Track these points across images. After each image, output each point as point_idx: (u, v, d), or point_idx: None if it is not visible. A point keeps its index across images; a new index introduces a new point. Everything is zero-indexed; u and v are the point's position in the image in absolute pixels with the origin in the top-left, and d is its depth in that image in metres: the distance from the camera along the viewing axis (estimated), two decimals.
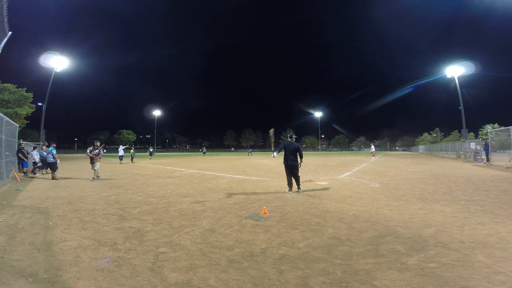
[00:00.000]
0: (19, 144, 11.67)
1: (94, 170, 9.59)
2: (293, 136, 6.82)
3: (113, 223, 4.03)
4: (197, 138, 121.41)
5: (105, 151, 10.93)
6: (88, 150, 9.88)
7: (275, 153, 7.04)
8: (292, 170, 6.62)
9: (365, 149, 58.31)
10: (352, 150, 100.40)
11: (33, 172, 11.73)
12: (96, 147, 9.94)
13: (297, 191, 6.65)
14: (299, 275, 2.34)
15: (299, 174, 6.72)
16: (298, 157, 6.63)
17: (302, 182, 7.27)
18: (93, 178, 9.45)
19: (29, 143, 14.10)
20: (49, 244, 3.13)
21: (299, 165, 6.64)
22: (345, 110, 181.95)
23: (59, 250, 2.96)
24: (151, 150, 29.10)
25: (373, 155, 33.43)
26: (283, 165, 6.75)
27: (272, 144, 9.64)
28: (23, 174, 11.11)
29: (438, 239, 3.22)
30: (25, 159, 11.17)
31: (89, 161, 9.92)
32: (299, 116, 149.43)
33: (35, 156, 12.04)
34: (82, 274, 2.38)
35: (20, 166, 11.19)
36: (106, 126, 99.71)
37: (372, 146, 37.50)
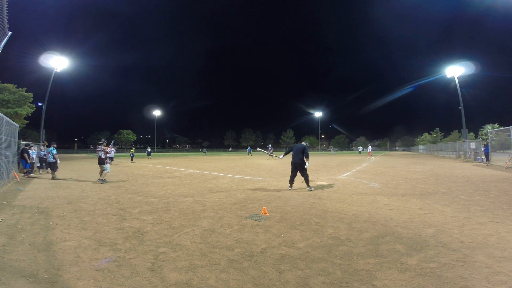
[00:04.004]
0: (26, 145, 11.68)
1: (107, 171, 9.09)
2: (302, 139, 7.31)
3: (113, 223, 4.03)
4: (197, 138, 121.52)
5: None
6: (109, 149, 8.90)
7: (281, 156, 8.03)
8: (297, 168, 6.97)
9: (333, 149, 56.95)
10: (352, 150, 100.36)
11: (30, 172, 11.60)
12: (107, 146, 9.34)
13: (306, 189, 6.92)
14: (299, 275, 2.34)
15: (307, 173, 7.03)
16: (304, 156, 6.97)
17: (302, 182, 7.32)
18: (103, 180, 8.92)
19: (30, 143, 14.09)
20: (49, 244, 3.13)
21: (305, 164, 6.96)
22: (345, 110, 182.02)
23: (59, 250, 2.96)
24: (149, 150, 29.15)
25: (370, 155, 33.26)
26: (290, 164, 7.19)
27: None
28: (23, 174, 11.10)
29: (438, 239, 3.22)
30: (29, 160, 11.11)
31: (106, 162, 9.03)
32: (299, 116, 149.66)
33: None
34: (82, 274, 2.38)
35: (19, 165, 11.17)
36: (106, 126, 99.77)
37: (363, 147, 35.96)
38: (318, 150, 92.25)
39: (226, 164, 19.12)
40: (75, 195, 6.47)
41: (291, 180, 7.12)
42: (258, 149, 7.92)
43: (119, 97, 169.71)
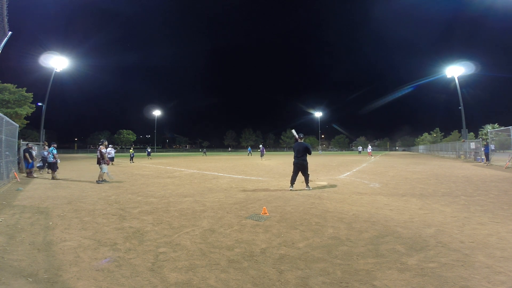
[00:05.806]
0: (27, 144, 11.70)
1: (106, 172, 9.03)
2: (301, 136, 7.13)
3: (113, 223, 4.02)
4: (197, 138, 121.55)
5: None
6: (104, 150, 8.95)
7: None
8: (299, 168, 6.95)
9: (321, 150, 57.21)
10: (352, 150, 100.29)
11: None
12: (106, 147, 9.34)
13: (304, 189, 6.96)
14: (299, 275, 2.34)
15: (308, 173, 7.06)
16: (306, 155, 6.98)
17: (302, 182, 7.32)
18: (102, 180, 8.88)
19: (30, 143, 14.11)
20: (49, 244, 3.13)
21: (307, 163, 6.96)
22: (345, 110, 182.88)
23: (59, 250, 2.96)
24: (149, 150, 29.15)
25: (370, 155, 33.34)
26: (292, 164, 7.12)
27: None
28: (25, 174, 11.08)
29: (438, 239, 3.22)
30: (31, 160, 11.09)
31: (103, 162, 8.96)
32: (299, 116, 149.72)
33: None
34: (82, 274, 2.38)
35: (19, 165, 11.17)
36: (106, 126, 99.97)
37: (363, 147, 36.46)
38: (317, 150, 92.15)
39: (226, 164, 19.12)
40: (75, 195, 6.46)
41: (293, 180, 7.01)
42: (293, 130, 7.38)
43: (119, 97, 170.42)
